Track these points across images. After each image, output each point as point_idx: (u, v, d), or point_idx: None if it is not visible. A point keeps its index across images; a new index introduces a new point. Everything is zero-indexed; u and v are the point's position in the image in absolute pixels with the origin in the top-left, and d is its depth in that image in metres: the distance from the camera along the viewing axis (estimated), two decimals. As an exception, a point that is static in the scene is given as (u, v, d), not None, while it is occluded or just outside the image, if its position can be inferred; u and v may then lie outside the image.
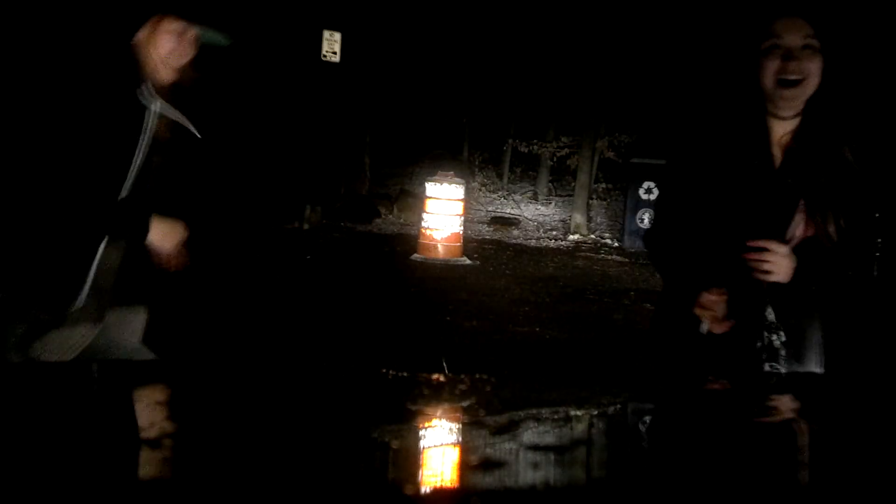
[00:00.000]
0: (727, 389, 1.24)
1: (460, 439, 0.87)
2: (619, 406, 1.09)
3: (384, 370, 1.05)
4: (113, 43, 1.82)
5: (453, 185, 8.26)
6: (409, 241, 9.06)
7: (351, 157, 12.29)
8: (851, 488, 0.76)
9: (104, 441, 0.77)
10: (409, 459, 0.80)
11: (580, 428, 0.97)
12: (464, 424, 0.92)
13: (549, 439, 0.89)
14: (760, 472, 0.78)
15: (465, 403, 0.97)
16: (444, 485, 0.72)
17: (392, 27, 11.98)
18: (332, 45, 10.27)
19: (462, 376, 1.03)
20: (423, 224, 8.28)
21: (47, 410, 0.87)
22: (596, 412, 1.05)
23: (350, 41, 10.52)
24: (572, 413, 1.03)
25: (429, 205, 8.25)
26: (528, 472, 0.75)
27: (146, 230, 1.85)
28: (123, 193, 1.81)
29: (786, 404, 1.15)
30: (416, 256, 8.20)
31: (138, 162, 1.80)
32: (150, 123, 1.80)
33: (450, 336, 4.84)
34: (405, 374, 1.04)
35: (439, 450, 0.84)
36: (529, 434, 0.89)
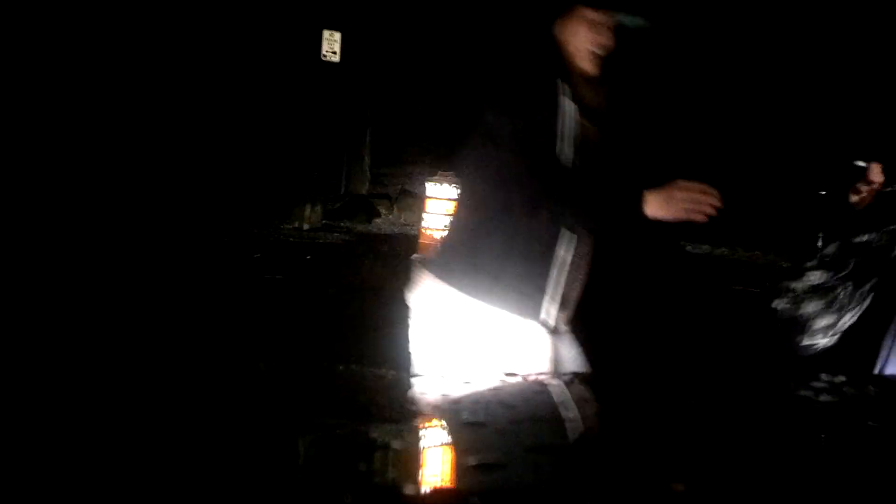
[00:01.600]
0: (733, 384, 1.24)
1: (460, 439, 0.87)
2: (620, 405, 1.09)
3: (384, 370, 1.05)
4: (535, 35, 1.78)
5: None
6: (409, 241, 9.06)
7: (351, 157, 12.27)
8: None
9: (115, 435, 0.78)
10: (409, 459, 0.80)
11: (580, 428, 0.97)
12: (463, 424, 0.92)
13: (549, 439, 0.89)
14: (764, 473, 0.79)
15: (464, 403, 0.97)
16: (444, 485, 0.72)
17: (392, 27, 11.97)
18: (332, 45, 10.27)
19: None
20: (423, 224, 8.28)
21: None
22: (596, 411, 1.05)
23: (350, 41, 10.52)
24: (572, 413, 1.04)
25: (429, 205, 8.24)
26: (528, 472, 0.75)
27: (637, 207, 1.63)
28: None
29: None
30: (416, 256, 8.20)
31: (565, 157, 1.71)
32: (567, 117, 1.71)
33: (450, 336, 4.83)
34: (405, 374, 1.04)
35: (439, 450, 0.84)
36: (529, 434, 0.89)
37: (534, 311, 1.74)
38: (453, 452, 0.84)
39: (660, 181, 1.65)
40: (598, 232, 1.76)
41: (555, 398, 1.08)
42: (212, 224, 8.61)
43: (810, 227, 1.73)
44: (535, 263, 1.73)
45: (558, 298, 1.76)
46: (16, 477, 0.66)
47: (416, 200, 10.67)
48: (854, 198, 1.68)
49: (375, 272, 7.28)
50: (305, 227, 9.77)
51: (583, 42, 1.71)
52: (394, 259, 8.10)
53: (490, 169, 1.75)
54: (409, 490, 0.69)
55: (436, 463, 0.80)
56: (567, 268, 1.74)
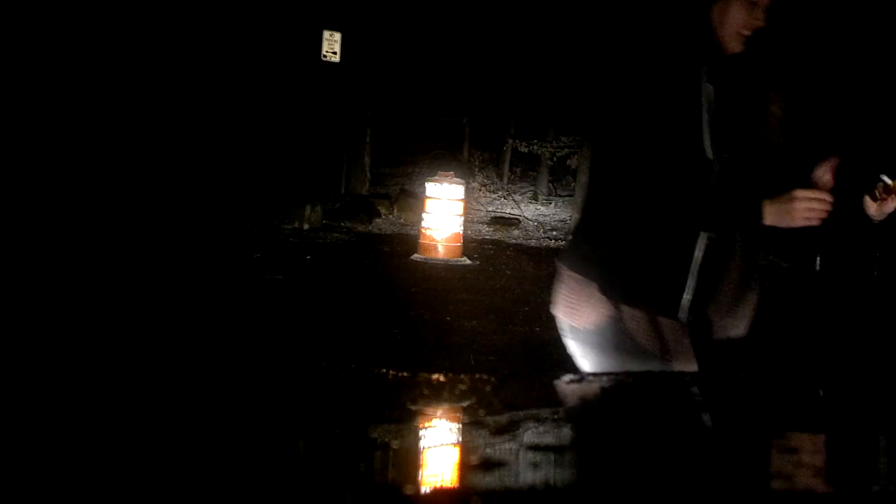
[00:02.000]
0: (735, 389, 1.24)
1: (460, 439, 0.87)
2: (620, 405, 1.09)
3: (384, 370, 1.05)
4: (689, 17, 1.69)
5: (453, 185, 8.26)
6: (409, 241, 9.06)
7: (351, 157, 12.28)
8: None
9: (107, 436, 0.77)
10: (409, 459, 0.80)
11: (580, 428, 0.97)
12: (464, 424, 0.92)
13: (549, 439, 0.89)
14: (762, 473, 0.78)
15: (465, 403, 0.97)
16: (444, 485, 0.72)
17: (392, 27, 11.98)
18: (332, 45, 10.27)
19: (462, 376, 1.03)
20: (423, 224, 8.28)
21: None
22: (597, 411, 1.05)
23: (350, 41, 10.52)
24: (572, 413, 1.03)
25: (429, 205, 8.25)
26: (528, 472, 0.75)
27: (756, 217, 1.61)
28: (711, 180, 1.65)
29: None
30: (416, 256, 8.20)
31: (708, 144, 1.64)
32: (707, 106, 1.65)
33: (450, 336, 4.84)
34: (405, 374, 1.04)
35: (439, 450, 0.84)
36: (529, 434, 0.89)
37: (672, 309, 1.68)
38: (453, 452, 0.84)
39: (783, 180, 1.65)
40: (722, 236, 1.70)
41: (555, 398, 1.08)
42: (212, 224, 8.62)
43: (811, 227, 1.70)
44: (674, 261, 1.68)
45: (690, 296, 1.69)
46: (16, 477, 0.66)
47: (416, 200, 10.68)
48: (872, 209, 1.65)
49: (374, 272, 7.28)
50: (305, 227, 9.77)
51: (736, 23, 1.64)
52: (393, 259, 8.11)
53: (628, 160, 1.68)
54: (409, 490, 0.69)
55: (436, 463, 0.80)
56: (698, 268, 1.68)
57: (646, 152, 1.63)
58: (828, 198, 1.60)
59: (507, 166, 14.91)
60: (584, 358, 1.78)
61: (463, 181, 8.51)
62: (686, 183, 1.62)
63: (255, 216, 9.38)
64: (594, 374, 1.66)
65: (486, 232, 11.28)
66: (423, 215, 8.29)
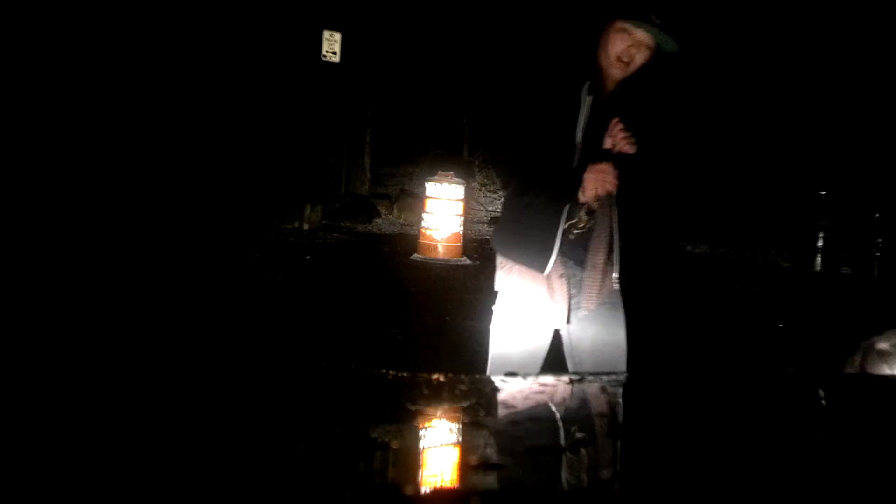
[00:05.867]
0: (732, 384, 1.24)
1: (460, 439, 0.87)
2: (619, 404, 1.09)
3: (384, 370, 1.04)
4: (576, 42, 2.22)
5: (453, 185, 8.26)
6: (409, 241, 9.06)
7: (351, 157, 12.28)
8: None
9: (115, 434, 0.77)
10: (409, 459, 0.80)
11: (580, 428, 0.97)
12: (464, 424, 0.92)
13: (549, 439, 0.89)
14: (763, 473, 0.78)
15: (465, 403, 0.97)
16: (444, 485, 0.72)
17: (392, 27, 11.98)
18: (332, 45, 10.28)
19: (462, 376, 1.03)
20: (423, 224, 8.28)
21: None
22: (597, 411, 1.05)
23: (350, 41, 10.52)
24: (572, 413, 1.03)
25: (429, 205, 8.25)
26: (528, 472, 0.75)
27: (578, 181, 2.09)
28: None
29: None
30: (416, 256, 8.20)
31: (578, 142, 2.15)
32: (584, 111, 2.14)
33: (450, 336, 4.84)
34: (405, 374, 1.04)
35: (439, 450, 0.84)
36: (529, 434, 0.89)
37: (541, 266, 2.18)
38: (453, 452, 0.84)
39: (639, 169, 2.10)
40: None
41: (555, 398, 1.08)
42: (212, 224, 8.61)
43: (811, 227, 1.75)
44: (545, 229, 2.18)
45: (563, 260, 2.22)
46: (16, 477, 0.66)
47: (416, 200, 10.68)
48: (607, 144, 2.13)
49: (374, 272, 7.28)
50: (305, 227, 9.77)
51: (615, 51, 2.10)
52: (393, 259, 8.11)
53: (521, 149, 2.20)
54: (409, 490, 0.68)
55: (436, 463, 0.80)
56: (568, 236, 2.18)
57: (531, 137, 2.16)
58: (611, 170, 2.05)
59: (507, 166, 14.89)
60: (497, 310, 2.29)
61: (463, 181, 8.50)
62: (555, 160, 2.15)
63: (255, 216, 9.39)
64: (594, 375, 1.67)
65: (486, 232, 11.29)
66: (423, 215, 8.29)
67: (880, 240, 9.42)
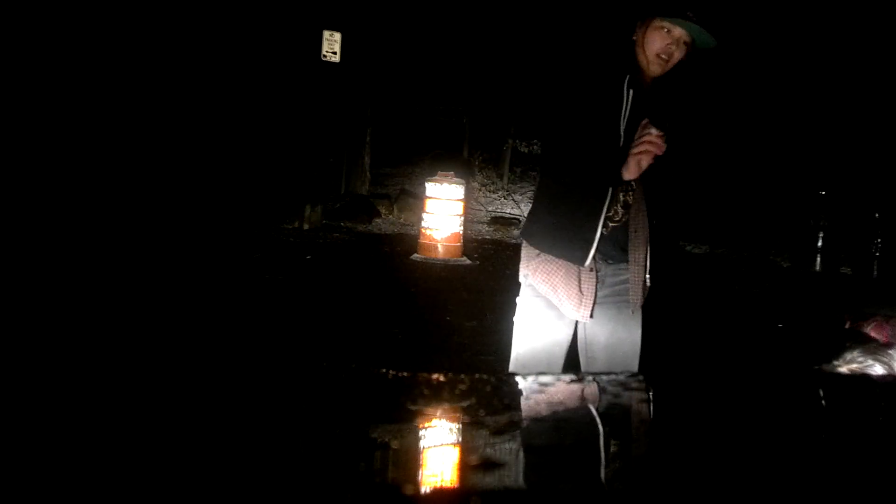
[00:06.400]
0: (734, 380, 1.24)
1: (460, 439, 0.87)
2: (619, 404, 1.09)
3: (384, 370, 1.04)
4: (615, 39, 2.25)
5: (453, 185, 8.26)
6: (409, 241, 9.06)
7: (351, 157, 12.27)
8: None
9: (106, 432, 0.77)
10: (409, 459, 0.80)
11: (580, 427, 0.97)
12: (464, 424, 0.92)
13: (549, 439, 0.89)
14: (762, 473, 0.78)
15: (465, 403, 0.97)
16: (444, 485, 0.72)
17: (392, 27, 11.97)
18: (332, 45, 10.27)
19: (462, 376, 1.03)
20: (423, 224, 8.28)
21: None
22: (596, 411, 1.05)
23: (350, 41, 10.51)
24: (572, 413, 1.03)
25: (429, 205, 8.24)
26: (527, 472, 0.75)
27: (623, 160, 2.10)
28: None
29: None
30: (416, 256, 8.20)
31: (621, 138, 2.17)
32: (627, 104, 2.17)
33: (450, 336, 4.84)
34: (405, 374, 1.04)
35: (439, 450, 0.84)
36: (529, 434, 0.89)
37: (580, 258, 2.19)
38: (453, 452, 0.84)
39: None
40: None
41: (555, 398, 1.08)
42: (212, 224, 8.61)
43: (810, 227, 1.78)
44: (586, 220, 2.18)
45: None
46: (16, 477, 0.66)
47: (416, 200, 10.67)
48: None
49: (374, 272, 7.27)
50: (305, 227, 9.77)
51: (653, 48, 2.13)
52: (393, 259, 8.11)
53: (565, 138, 2.21)
54: (409, 490, 0.69)
55: (436, 463, 0.80)
56: (609, 225, 2.19)
57: (576, 129, 2.17)
58: (657, 138, 2.06)
59: (507, 166, 14.90)
60: (524, 301, 2.34)
61: (463, 181, 8.50)
62: (599, 149, 2.16)
63: (255, 216, 9.38)
64: (594, 374, 1.67)
65: (486, 232, 11.28)
66: (423, 215, 8.28)
67: (880, 240, 9.42)
